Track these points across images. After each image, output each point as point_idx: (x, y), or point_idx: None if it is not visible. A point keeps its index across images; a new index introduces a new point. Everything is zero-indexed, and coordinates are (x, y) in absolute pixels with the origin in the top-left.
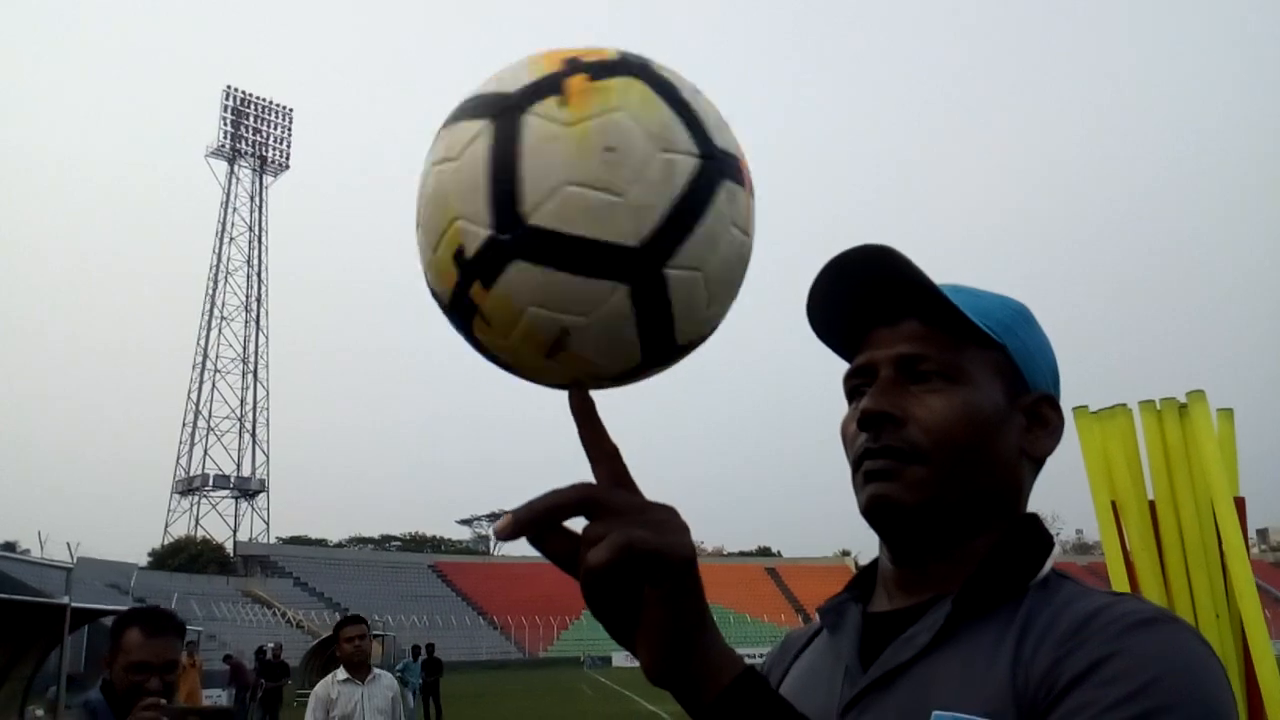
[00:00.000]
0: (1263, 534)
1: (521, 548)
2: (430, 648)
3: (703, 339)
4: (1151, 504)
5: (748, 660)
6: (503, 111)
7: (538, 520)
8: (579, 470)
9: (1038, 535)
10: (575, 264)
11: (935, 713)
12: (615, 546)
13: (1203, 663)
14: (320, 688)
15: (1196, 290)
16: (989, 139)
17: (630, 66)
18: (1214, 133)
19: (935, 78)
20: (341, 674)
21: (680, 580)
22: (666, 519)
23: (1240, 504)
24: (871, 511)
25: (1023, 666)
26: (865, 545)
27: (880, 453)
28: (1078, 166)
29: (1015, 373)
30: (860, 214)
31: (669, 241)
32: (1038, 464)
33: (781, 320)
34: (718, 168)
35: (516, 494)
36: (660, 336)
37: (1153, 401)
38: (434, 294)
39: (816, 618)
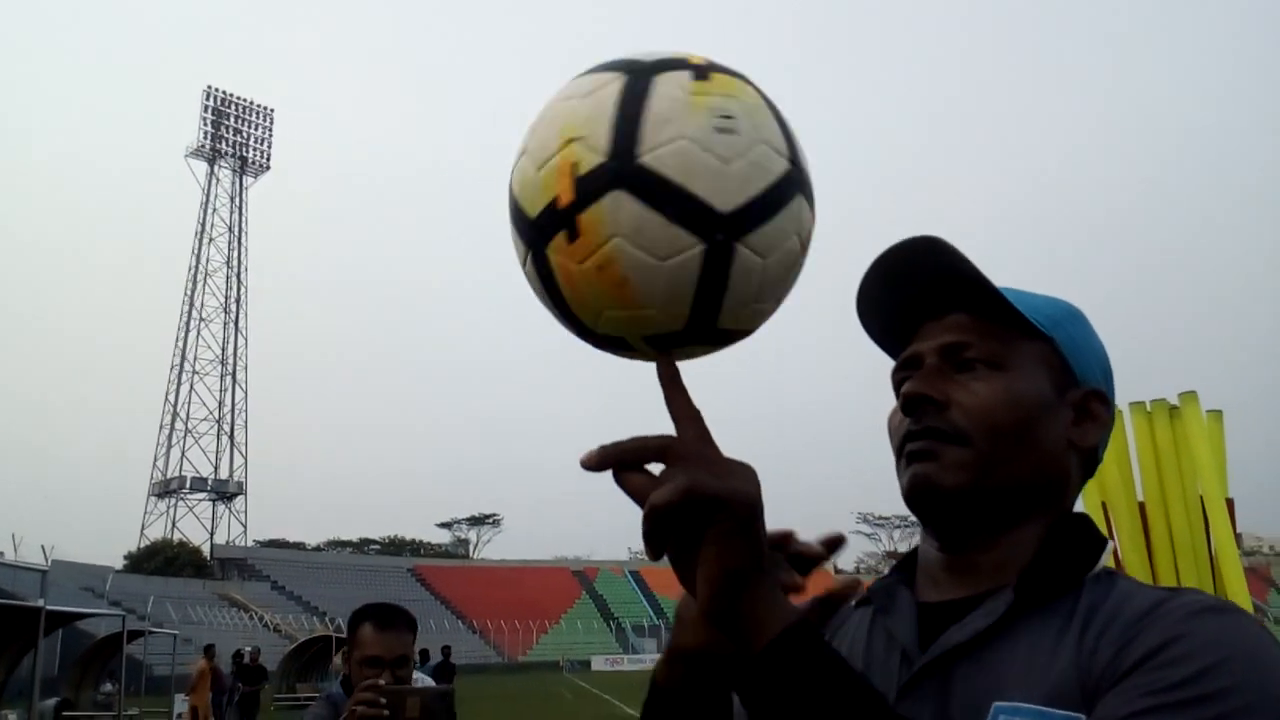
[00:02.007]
0: (1237, 539)
1: (502, 550)
2: (446, 650)
3: (738, 333)
4: (1141, 505)
5: None
6: (636, 70)
7: (622, 458)
8: (564, 472)
9: (1092, 531)
10: (670, 210)
11: (996, 703)
12: (679, 487)
13: (1268, 650)
14: None
15: (1189, 290)
16: (976, 141)
17: (742, 77)
18: (1205, 135)
19: (919, 89)
20: None
21: (741, 524)
22: (737, 469)
23: (1230, 505)
24: (913, 493)
25: (1086, 654)
26: (844, 555)
27: (921, 434)
28: (1068, 169)
29: (1064, 366)
30: (844, 221)
31: (750, 221)
32: (1087, 458)
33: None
34: (799, 178)
35: (496, 498)
36: (708, 310)
37: (1143, 403)
38: (520, 212)
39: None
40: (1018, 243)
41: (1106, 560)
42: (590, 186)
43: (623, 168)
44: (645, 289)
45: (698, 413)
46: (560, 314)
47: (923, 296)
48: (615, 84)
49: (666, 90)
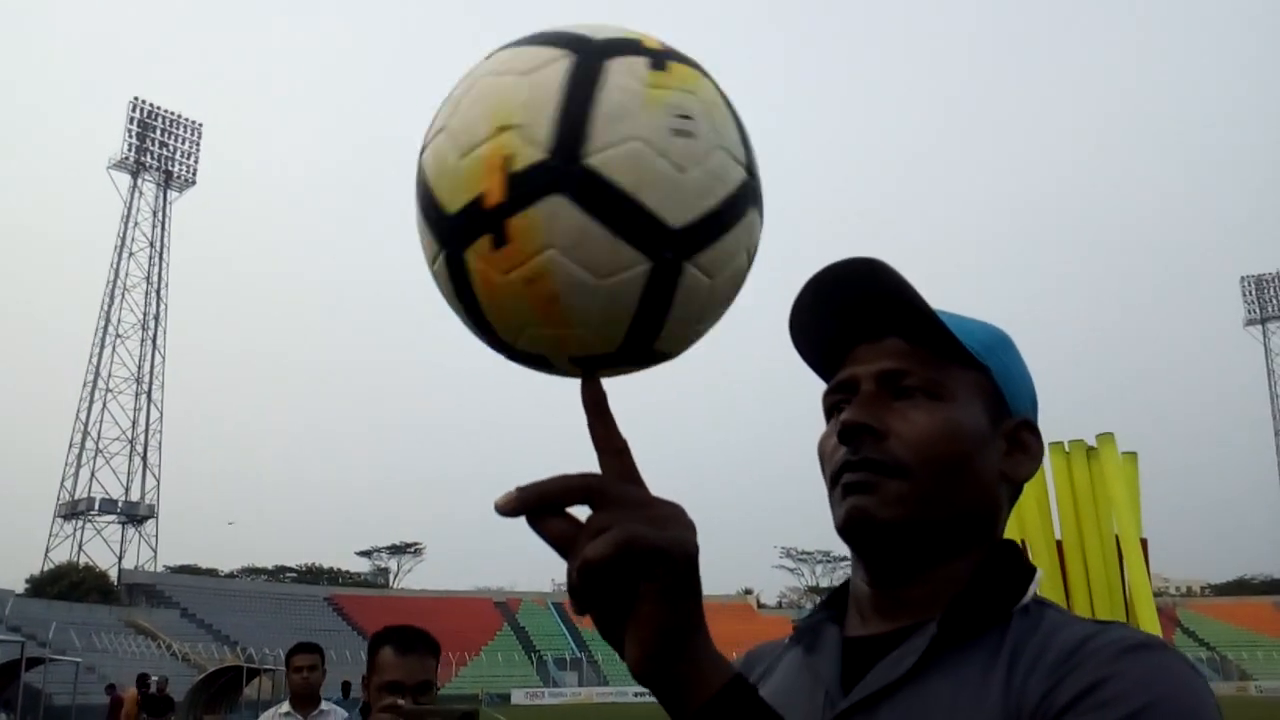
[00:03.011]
0: None
1: (423, 580)
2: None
3: (673, 354)
4: (1059, 544)
5: None
6: (586, 49)
7: (542, 501)
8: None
9: (1019, 561)
10: (617, 223)
11: None
12: (616, 541)
13: (1196, 689)
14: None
15: (1107, 332)
16: (923, 175)
17: (701, 69)
18: (1122, 179)
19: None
20: (285, 707)
21: (680, 577)
22: (672, 515)
23: (1144, 545)
24: (848, 526)
25: (1014, 694)
26: (767, 584)
27: (859, 465)
28: (986, 206)
29: (997, 395)
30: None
31: (703, 239)
32: (1015, 489)
33: (691, 355)
34: (754, 189)
35: (419, 526)
36: (646, 333)
37: (1061, 443)
38: (434, 203)
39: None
40: (945, 274)
41: (1037, 589)
42: (526, 187)
43: (567, 169)
44: (580, 308)
45: (625, 445)
46: (474, 324)
47: (857, 318)
48: (561, 64)
49: (620, 80)
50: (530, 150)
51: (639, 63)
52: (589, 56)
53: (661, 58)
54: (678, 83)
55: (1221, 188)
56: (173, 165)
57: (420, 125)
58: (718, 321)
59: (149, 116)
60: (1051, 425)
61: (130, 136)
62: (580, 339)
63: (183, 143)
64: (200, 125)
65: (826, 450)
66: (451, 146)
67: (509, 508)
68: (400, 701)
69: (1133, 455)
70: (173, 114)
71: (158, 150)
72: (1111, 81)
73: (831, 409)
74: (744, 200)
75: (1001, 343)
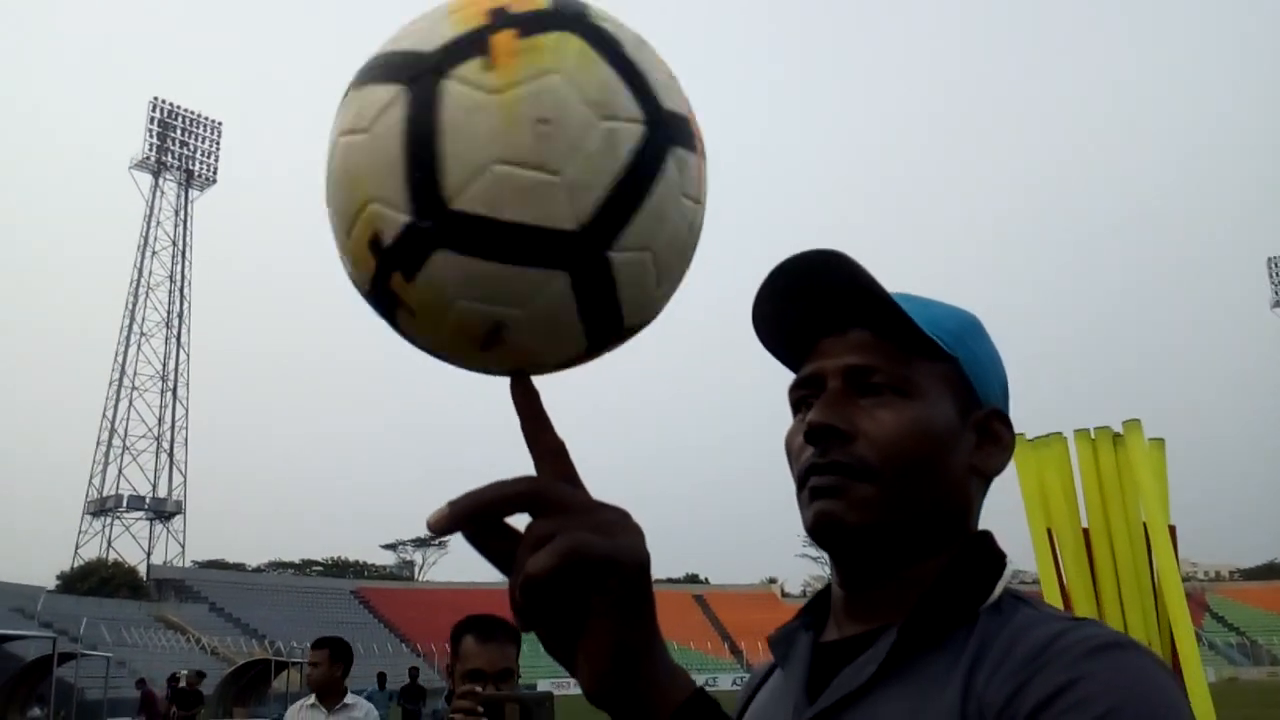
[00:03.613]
0: None
1: (449, 572)
2: (414, 672)
3: (653, 319)
4: (1085, 532)
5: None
6: (419, 75)
7: (476, 514)
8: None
9: (988, 555)
10: (507, 253)
11: None
12: (559, 551)
13: (1164, 689)
14: (289, 713)
15: (1132, 318)
16: (943, 163)
17: (565, 18)
18: (1144, 162)
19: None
20: (311, 699)
21: (632, 588)
22: (618, 519)
23: (1172, 532)
24: (817, 530)
25: (974, 697)
26: (791, 573)
27: (827, 468)
28: (1005, 191)
29: (966, 386)
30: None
31: (613, 222)
32: (987, 481)
33: (712, 345)
34: (664, 132)
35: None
36: (606, 321)
37: (1087, 430)
38: (352, 281)
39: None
40: (963, 260)
41: (1008, 580)
42: (403, 258)
43: (434, 224)
44: (519, 338)
45: (562, 446)
46: (446, 363)
47: (821, 309)
48: (396, 107)
49: (459, 99)
50: (395, 218)
51: (473, 69)
52: (421, 84)
53: (507, 39)
54: (528, 70)
55: (1245, 169)
56: (193, 164)
57: None
58: (688, 266)
59: (169, 116)
60: (1077, 412)
61: (151, 136)
62: (545, 355)
63: (203, 142)
64: (220, 124)
65: (794, 448)
66: (338, 225)
67: (442, 525)
68: (478, 688)
69: (1160, 441)
70: (192, 113)
71: (178, 150)
72: (1131, 61)
73: (798, 403)
74: (653, 154)
75: (971, 329)
